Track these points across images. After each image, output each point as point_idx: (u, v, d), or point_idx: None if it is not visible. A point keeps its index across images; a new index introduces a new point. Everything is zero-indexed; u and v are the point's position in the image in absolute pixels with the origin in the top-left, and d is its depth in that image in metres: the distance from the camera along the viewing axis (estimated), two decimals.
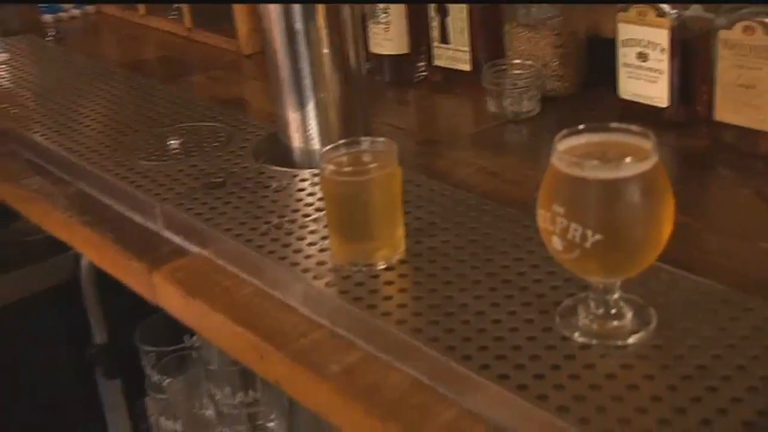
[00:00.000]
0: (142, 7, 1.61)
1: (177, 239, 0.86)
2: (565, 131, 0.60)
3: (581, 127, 0.60)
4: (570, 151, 0.59)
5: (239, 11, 1.39)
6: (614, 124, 0.60)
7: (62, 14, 1.65)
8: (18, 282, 1.23)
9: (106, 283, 1.09)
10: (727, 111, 0.90)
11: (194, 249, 0.84)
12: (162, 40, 1.56)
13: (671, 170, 0.91)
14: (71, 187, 1.01)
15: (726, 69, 0.88)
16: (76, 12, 1.67)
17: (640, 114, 0.98)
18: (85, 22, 1.68)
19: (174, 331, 1.10)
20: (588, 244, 0.57)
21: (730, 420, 0.54)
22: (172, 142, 1.02)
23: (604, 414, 0.55)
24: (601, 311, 0.63)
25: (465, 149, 1.01)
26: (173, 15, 1.60)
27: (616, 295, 0.63)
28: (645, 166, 0.56)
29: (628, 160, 0.56)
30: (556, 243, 0.59)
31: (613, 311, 0.63)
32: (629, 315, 0.63)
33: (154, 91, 1.23)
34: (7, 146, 1.14)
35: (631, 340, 0.61)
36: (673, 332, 0.62)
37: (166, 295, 0.80)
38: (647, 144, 0.58)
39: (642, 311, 0.63)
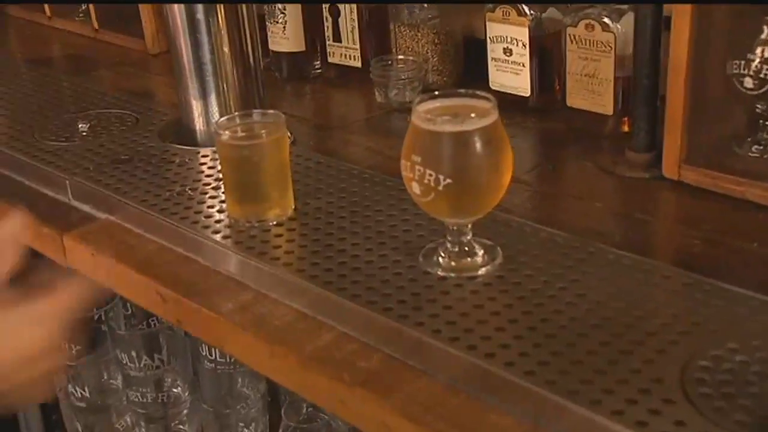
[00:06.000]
0: (47, 9, 1.67)
1: (85, 208, 0.94)
2: (423, 95, 0.71)
3: (436, 93, 0.72)
4: (427, 112, 0.70)
5: (145, 13, 1.46)
6: (462, 90, 0.71)
7: None
8: None
9: None
10: (576, 98, 1.03)
11: (102, 216, 0.92)
12: (69, 40, 1.61)
13: (534, 149, 1.06)
14: None
15: (573, 60, 1.02)
16: None
17: (508, 102, 1.10)
18: None
19: None
20: (441, 187, 0.68)
21: (550, 325, 0.65)
22: (81, 125, 1.10)
23: (453, 326, 0.67)
24: (456, 250, 0.74)
25: (354, 133, 1.12)
26: (80, 17, 1.67)
27: (469, 237, 0.74)
28: (486, 121, 0.68)
29: (472, 115, 0.68)
30: (415, 188, 0.70)
31: (467, 249, 0.74)
32: (480, 253, 0.75)
33: (62, 83, 1.30)
34: None
35: (480, 272, 0.73)
36: (514, 266, 0.74)
37: (77, 254, 0.88)
38: (488, 105, 0.70)
39: (491, 250, 0.75)
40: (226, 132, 0.82)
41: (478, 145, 0.68)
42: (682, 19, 0.84)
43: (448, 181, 0.68)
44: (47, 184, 0.99)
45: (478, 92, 0.71)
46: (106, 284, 0.86)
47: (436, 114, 0.70)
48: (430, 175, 0.68)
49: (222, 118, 0.84)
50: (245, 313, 0.75)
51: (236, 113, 0.84)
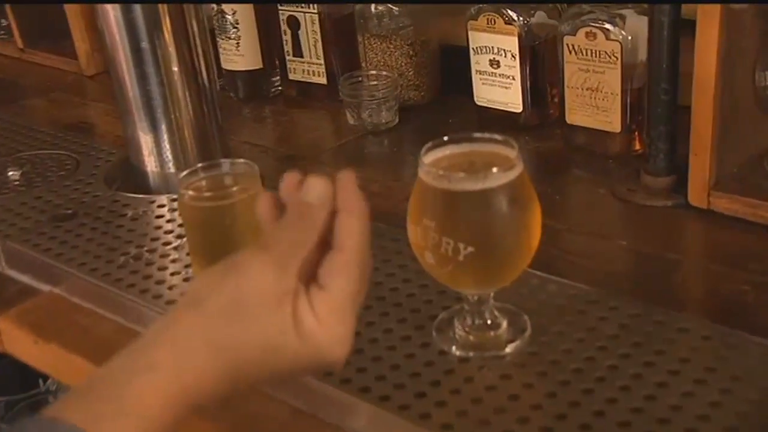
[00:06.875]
0: None
1: (24, 278, 0.80)
2: (430, 144, 0.59)
3: (446, 138, 0.60)
4: (436, 163, 0.58)
5: (76, 29, 1.31)
6: (478, 134, 0.59)
7: None
8: None
9: None
10: (577, 114, 0.92)
11: (45, 288, 0.78)
12: None
13: (532, 173, 0.94)
14: None
15: (572, 73, 0.90)
16: None
17: (496, 119, 0.99)
18: None
19: (26, 376, 1.02)
20: (461, 257, 0.56)
21: (608, 421, 0.54)
22: (11, 173, 0.95)
23: (487, 427, 0.55)
24: (477, 322, 0.63)
25: (327, 164, 0.99)
26: (1, 35, 1.50)
27: (490, 305, 0.63)
28: (511, 175, 0.57)
29: (494, 170, 0.56)
30: (429, 258, 0.58)
31: (489, 321, 0.62)
32: (504, 324, 0.63)
33: None
34: None
35: (508, 349, 0.62)
36: (547, 337, 0.62)
37: (15, 340, 0.74)
38: (511, 153, 0.58)
39: (516, 319, 0.64)
40: (189, 191, 0.68)
41: (504, 205, 0.56)
42: (709, 24, 0.73)
43: (470, 249, 0.56)
44: None
45: (496, 136, 0.59)
46: (54, 376, 0.73)
47: (448, 167, 0.58)
48: (448, 243, 0.56)
49: (183, 173, 0.70)
50: (230, 412, 0.62)
51: (199, 165, 0.71)
